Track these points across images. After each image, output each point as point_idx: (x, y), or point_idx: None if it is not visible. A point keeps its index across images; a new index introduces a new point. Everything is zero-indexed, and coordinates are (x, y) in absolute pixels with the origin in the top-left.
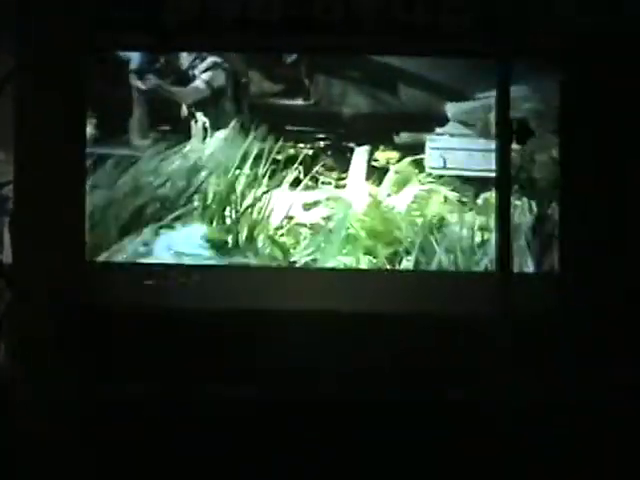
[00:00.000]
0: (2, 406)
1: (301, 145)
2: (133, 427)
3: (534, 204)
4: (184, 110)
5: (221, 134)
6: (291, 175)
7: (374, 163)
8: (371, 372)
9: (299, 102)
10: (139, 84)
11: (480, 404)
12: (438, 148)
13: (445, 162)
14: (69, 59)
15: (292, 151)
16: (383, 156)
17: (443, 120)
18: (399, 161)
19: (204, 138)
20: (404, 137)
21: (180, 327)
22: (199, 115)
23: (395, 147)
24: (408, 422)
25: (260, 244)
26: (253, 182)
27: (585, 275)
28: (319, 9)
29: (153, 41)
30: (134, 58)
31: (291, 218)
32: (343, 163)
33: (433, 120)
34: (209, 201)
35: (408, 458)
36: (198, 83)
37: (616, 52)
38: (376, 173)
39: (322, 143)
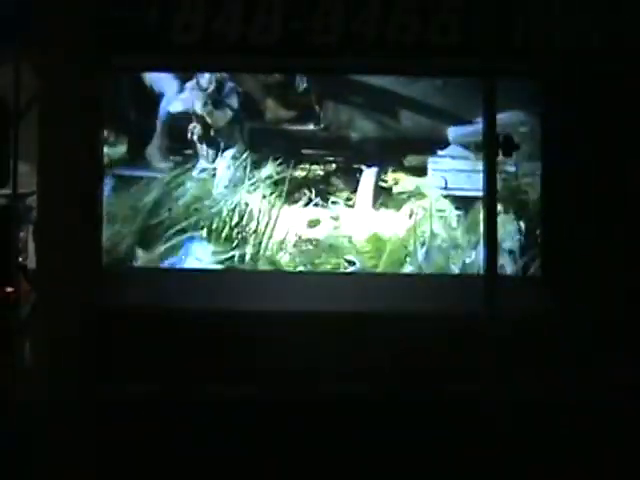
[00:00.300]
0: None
1: (313, 167)
2: (146, 423)
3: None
4: (202, 134)
5: (236, 157)
6: (302, 195)
7: (383, 184)
8: (363, 369)
9: (310, 127)
10: (168, 108)
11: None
12: (440, 170)
13: (446, 183)
14: (88, 80)
15: (304, 172)
16: (391, 177)
17: (444, 143)
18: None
19: (213, 160)
20: (410, 159)
21: (190, 326)
22: (218, 139)
23: (402, 169)
24: (394, 417)
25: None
26: (265, 202)
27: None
28: (317, 31)
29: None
30: (161, 83)
31: (297, 234)
32: (352, 184)
33: (435, 143)
34: (219, 221)
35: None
36: (224, 107)
37: (599, 74)
38: (384, 193)
39: (332, 165)
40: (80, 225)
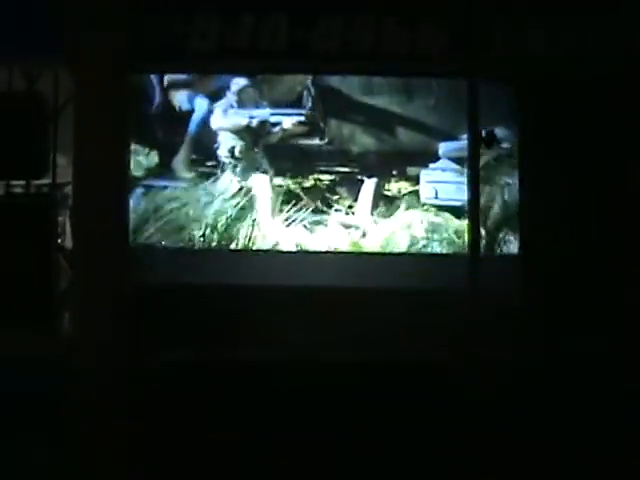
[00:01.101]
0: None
1: (319, 177)
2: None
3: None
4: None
5: (251, 170)
6: (308, 204)
7: (386, 192)
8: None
9: (316, 141)
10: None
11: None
12: (431, 181)
13: (437, 193)
14: (115, 83)
15: (311, 182)
16: (389, 187)
17: (435, 157)
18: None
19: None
20: (405, 171)
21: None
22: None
23: (398, 179)
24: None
25: None
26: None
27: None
28: (318, 37)
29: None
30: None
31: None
32: (354, 193)
33: (427, 157)
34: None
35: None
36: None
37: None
38: (384, 201)
39: (336, 176)
40: (110, 210)
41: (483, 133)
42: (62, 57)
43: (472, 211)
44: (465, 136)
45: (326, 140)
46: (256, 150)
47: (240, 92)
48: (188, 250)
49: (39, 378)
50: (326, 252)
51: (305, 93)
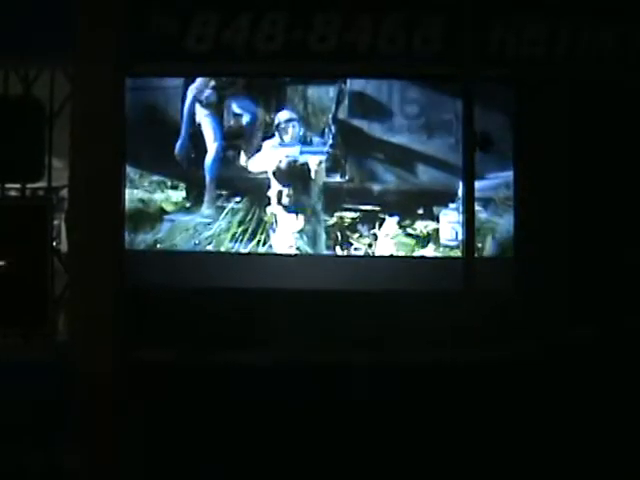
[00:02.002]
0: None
1: (341, 215)
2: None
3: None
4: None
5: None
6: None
7: (410, 231)
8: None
9: (337, 179)
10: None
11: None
12: (451, 221)
13: (457, 234)
14: (112, 86)
15: (334, 220)
16: (410, 225)
17: (456, 196)
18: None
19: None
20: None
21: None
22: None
23: (418, 218)
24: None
25: None
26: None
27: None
28: (315, 39)
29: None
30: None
31: None
32: (373, 231)
33: (447, 196)
34: None
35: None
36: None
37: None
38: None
39: (360, 214)
40: (105, 214)
41: (478, 136)
42: (60, 58)
43: (467, 213)
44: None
45: (347, 177)
46: (305, 192)
47: (283, 128)
48: (183, 253)
49: (34, 381)
50: (326, 256)
51: (326, 130)
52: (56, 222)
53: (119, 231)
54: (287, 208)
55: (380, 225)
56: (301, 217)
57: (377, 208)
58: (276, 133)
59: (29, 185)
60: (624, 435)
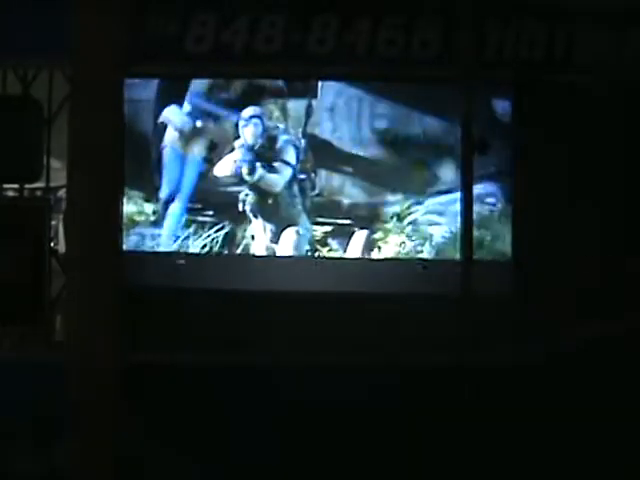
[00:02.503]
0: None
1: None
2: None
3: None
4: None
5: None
6: None
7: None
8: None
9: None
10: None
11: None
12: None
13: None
14: (110, 85)
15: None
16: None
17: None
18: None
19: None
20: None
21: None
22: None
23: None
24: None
25: None
26: None
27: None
28: (314, 41)
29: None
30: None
31: None
32: (344, 244)
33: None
34: None
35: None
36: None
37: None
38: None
39: (331, 227)
40: (103, 214)
41: (475, 139)
42: (58, 58)
43: (465, 216)
44: (453, 189)
45: (316, 192)
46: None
47: (245, 126)
48: (179, 255)
49: (31, 381)
50: (317, 257)
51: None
52: (54, 222)
53: (117, 232)
54: (257, 220)
55: (349, 238)
56: (270, 229)
57: (347, 222)
58: (240, 133)
59: (27, 185)
60: (623, 435)
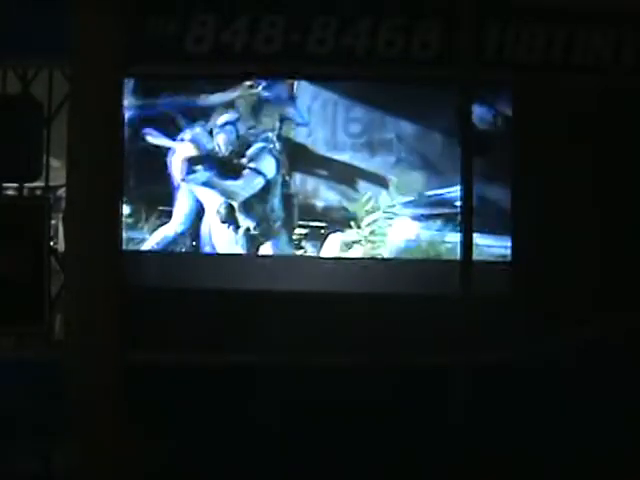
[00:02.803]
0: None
1: None
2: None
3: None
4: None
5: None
6: None
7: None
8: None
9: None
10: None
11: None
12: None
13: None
14: (109, 86)
15: None
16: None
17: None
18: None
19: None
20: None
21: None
22: None
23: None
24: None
25: None
26: None
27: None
28: (313, 42)
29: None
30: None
31: None
32: (317, 247)
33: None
34: None
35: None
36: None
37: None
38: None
39: (306, 230)
40: (103, 214)
41: (474, 141)
42: (58, 58)
43: (465, 218)
44: (426, 193)
45: (292, 194)
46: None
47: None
48: (177, 255)
49: (30, 380)
50: (314, 257)
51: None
52: (53, 222)
53: (116, 231)
54: (228, 225)
55: (323, 241)
56: (242, 233)
57: (321, 224)
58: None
59: (27, 184)
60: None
